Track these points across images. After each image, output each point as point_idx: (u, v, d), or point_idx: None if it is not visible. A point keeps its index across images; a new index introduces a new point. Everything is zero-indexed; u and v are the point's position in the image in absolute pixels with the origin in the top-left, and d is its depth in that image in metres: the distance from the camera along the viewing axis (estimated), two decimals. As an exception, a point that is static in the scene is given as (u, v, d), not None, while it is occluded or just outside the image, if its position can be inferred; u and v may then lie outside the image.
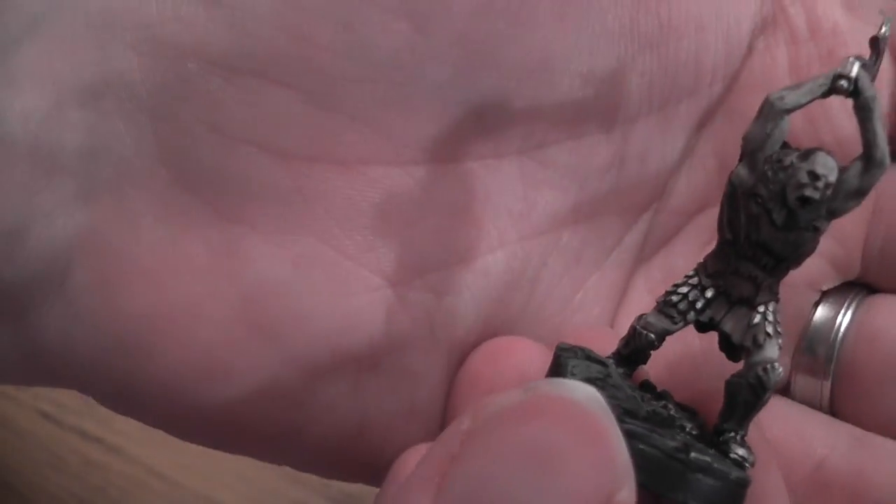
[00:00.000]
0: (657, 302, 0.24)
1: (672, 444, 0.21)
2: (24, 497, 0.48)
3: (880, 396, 0.29)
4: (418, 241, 0.26)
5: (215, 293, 0.24)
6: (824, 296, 0.30)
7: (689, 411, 0.25)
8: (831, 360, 0.30)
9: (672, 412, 0.24)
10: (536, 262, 0.28)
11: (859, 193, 0.22)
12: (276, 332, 0.25)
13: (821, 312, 0.30)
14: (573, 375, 0.23)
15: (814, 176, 0.21)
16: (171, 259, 0.24)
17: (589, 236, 0.28)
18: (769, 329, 0.23)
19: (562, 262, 0.28)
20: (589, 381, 0.23)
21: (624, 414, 0.22)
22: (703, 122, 0.29)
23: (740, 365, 0.23)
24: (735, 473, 0.22)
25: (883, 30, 0.23)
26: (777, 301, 0.23)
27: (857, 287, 0.30)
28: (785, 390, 0.30)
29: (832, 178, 0.21)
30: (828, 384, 0.30)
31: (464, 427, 0.18)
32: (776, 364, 0.22)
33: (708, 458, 0.22)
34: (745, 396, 0.23)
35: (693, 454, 0.21)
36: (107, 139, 0.23)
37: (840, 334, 0.30)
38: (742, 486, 0.22)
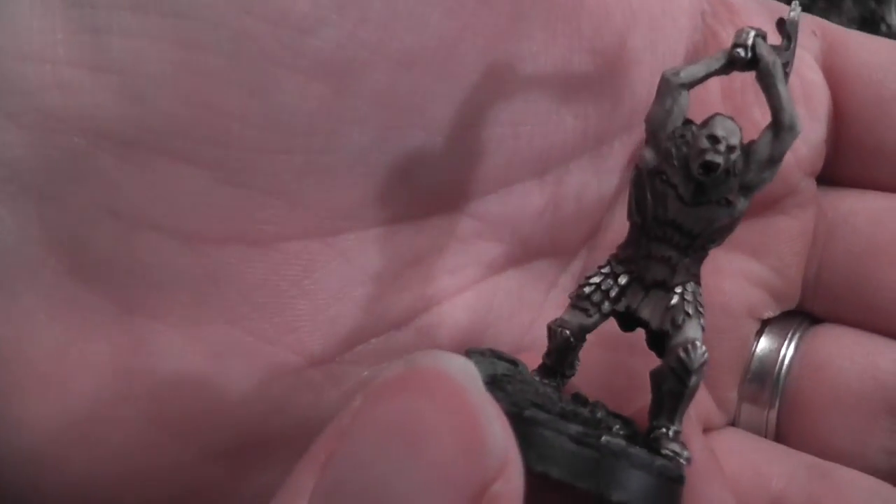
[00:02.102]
0: (570, 298, 0.22)
1: (580, 429, 0.19)
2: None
3: (827, 425, 0.27)
4: (345, 313, 0.24)
5: (124, 395, 0.22)
6: (767, 326, 0.29)
7: (624, 420, 0.22)
8: (777, 390, 0.28)
9: (599, 415, 0.22)
10: (482, 308, 0.26)
11: (772, 162, 0.21)
12: (195, 429, 0.22)
13: (764, 343, 0.29)
14: None
15: (713, 139, 0.20)
16: (71, 361, 0.21)
17: (526, 280, 0.27)
18: (688, 309, 0.21)
19: (507, 305, 0.26)
20: (493, 377, 0.21)
21: (531, 406, 0.20)
22: (636, 157, 0.28)
23: None
24: (660, 462, 0.20)
25: (791, 14, 0.22)
26: (697, 283, 0.22)
27: (799, 317, 0.29)
28: (731, 421, 0.29)
29: (734, 140, 0.20)
30: (773, 413, 0.28)
31: (356, 403, 0.17)
32: (698, 343, 0.21)
33: (623, 442, 0.20)
34: (670, 384, 0.21)
35: (605, 438, 0.19)
36: None
37: (785, 364, 0.28)
38: (672, 478, 0.20)
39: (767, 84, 0.20)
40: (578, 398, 0.23)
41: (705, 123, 0.21)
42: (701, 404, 0.28)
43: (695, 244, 0.21)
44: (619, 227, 0.28)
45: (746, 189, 0.21)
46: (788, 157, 0.26)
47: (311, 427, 0.22)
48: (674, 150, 0.21)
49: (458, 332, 0.25)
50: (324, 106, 0.21)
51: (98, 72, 0.20)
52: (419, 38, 0.22)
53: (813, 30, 0.29)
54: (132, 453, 0.22)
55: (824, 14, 0.30)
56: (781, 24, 0.22)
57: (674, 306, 0.21)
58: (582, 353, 0.24)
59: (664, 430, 0.21)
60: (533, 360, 0.24)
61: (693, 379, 0.21)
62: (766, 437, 0.28)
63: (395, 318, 0.24)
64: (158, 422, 0.22)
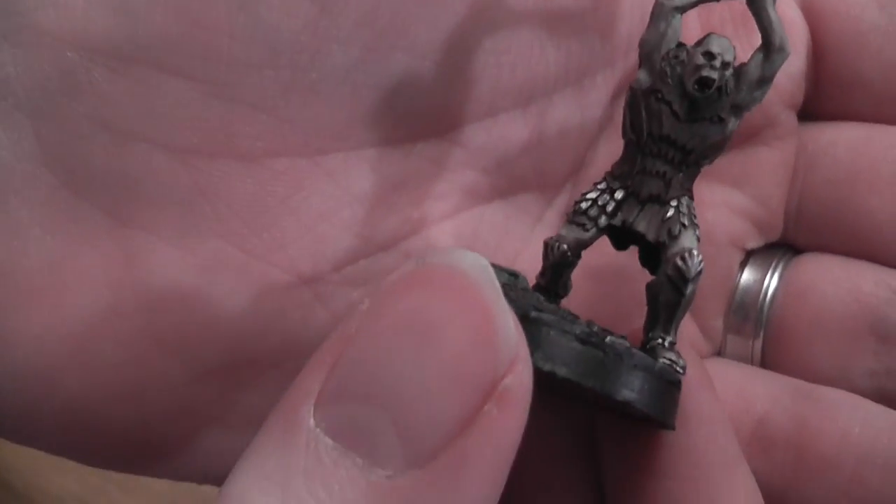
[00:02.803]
0: (566, 215, 0.23)
1: (587, 328, 0.20)
2: (24, 497, 0.47)
3: (811, 350, 0.28)
4: (333, 233, 0.24)
5: (115, 308, 0.22)
6: (750, 257, 0.29)
7: (617, 336, 0.23)
8: (761, 320, 0.28)
9: (596, 329, 0.22)
10: (467, 236, 0.26)
11: (763, 82, 0.21)
12: (186, 345, 0.22)
13: (748, 274, 0.29)
14: None
15: (709, 55, 0.21)
16: (65, 273, 0.21)
17: (511, 212, 0.27)
18: (684, 220, 0.21)
19: (492, 236, 0.26)
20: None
21: (534, 309, 0.20)
22: (619, 92, 0.28)
23: None
24: (659, 366, 0.20)
25: None
26: (690, 198, 0.22)
27: (782, 248, 0.30)
28: (717, 352, 0.29)
29: (728, 56, 0.21)
30: (759, 343, 0.28)
31: (363, 307, 0.17)
32: (694, 252, 0.21)
33: (626, 343, 0.20)
34: (667, 294, 0.21)
35: (610, 338, 0.20)
36: None
37: (769, 294, 0.29)
38: (670, 382, 0.21)
39: (758, 7, 0.21)
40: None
41: (700, 42, 0.21)
42: (686, 332, 0.28)
43: (688, 160, 0.22)
44: (602, 164, 0.28)
45: (737, 109, 0.21)
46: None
47: (301, 347, 0.23)
48: (668, 70, 0.21)
49: None
50: (309, 24, 0.22)
51: None
52: None
53: None
54: (125, 368, 0.22)
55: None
56: None
57: (670, 218, 0.22)
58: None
59: (660, 340, 0.22)
60: None
61: (690, 287, 0.21)
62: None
63: (383, 240, 0.24)
64: (151, 336, 0.22)
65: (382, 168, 0.24)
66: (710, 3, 0.27)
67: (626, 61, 0.27)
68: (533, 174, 0.27)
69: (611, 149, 0.28)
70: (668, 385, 0.20)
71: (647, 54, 0.22)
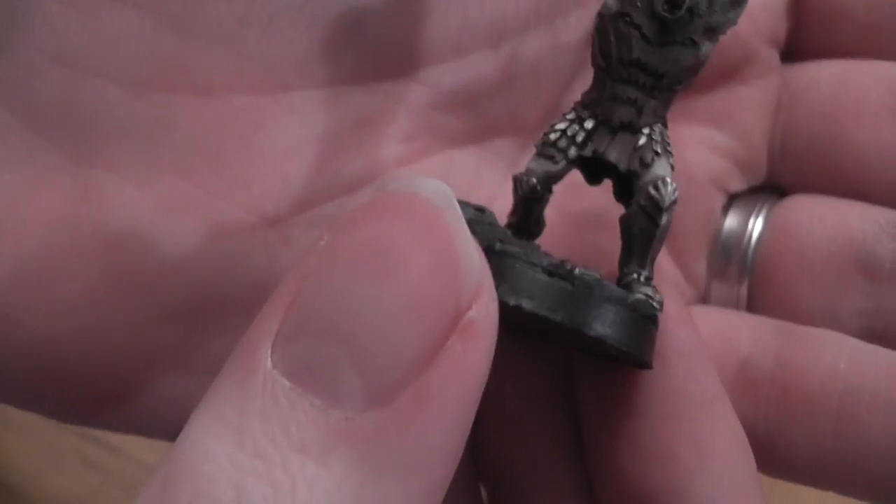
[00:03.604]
0: (535, 147, 0.22)
1: (554, 261, 0.19)
2: (24, 497, 0.46)
3: (798, 291, 0.27)
4: (297, 173, 0.23)
5: (74, 246, 0.21)
6: (734, 201, 0.28)
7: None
8: (746, 264, 0.27)
9: (569, 266, 0.21)
10: (439, 178, 0.25)
11: (735, 3, 0.20)
12: (146, 285, 0.22)
13: (731, 218, 0.28)
14: None
15: None
16: (21, 211, 0.21)
17: (485, 157, 0.26)
18: (657, 148, 0.20)
19: (463, 179, 0.26)
20: None
21: (500, 242, 0.19)
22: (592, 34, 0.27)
23: None
24: (633, 298, 0.19)
25: None
26: (664, 125, 0.21)
27: (766, 191, 0.29)
28: (702, 300, 0.28)
29: None
30: (744, 288, 0.27)
31: (321, 242, 0.16)
32: (668, 179, 0.20)
33: (597, 275, 0.19)
34: (640, 225, 0.20)
35: (579, 270, 0.19)
36: None
37: (753, 237, 0.28)
38: (645, 316, 0.20)
39: None
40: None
41: None
42: (668, 277, 0.27)
43: (660, 84, 0.20)
44: None
45: (711, 31, 0.20)
46: (747, 25, 0.26)
47: (266, 290, 0.21)
48: None
49: None
50: None
51: None
52: None
53: None
54: (85, 309, 0.21)
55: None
56: None
57: (642, 146, 0.20)
58: (546, 230, 0.23)
59: (635, 275, 0.21)
60: None
61: (664, 217, 0.20)
62: None
63: (349, 181, 0.23)
64: (110, 276, 0.21)
65: (347, 106, 0.23)
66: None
67: (599, 2, 0.26)
68: (506, 117, 0.26)
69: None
70: (644, 320, 0.19)
71: None
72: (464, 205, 0.21)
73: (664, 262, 0.28)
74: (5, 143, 0.21)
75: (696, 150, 0.27)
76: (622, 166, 0.21)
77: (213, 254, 0.22)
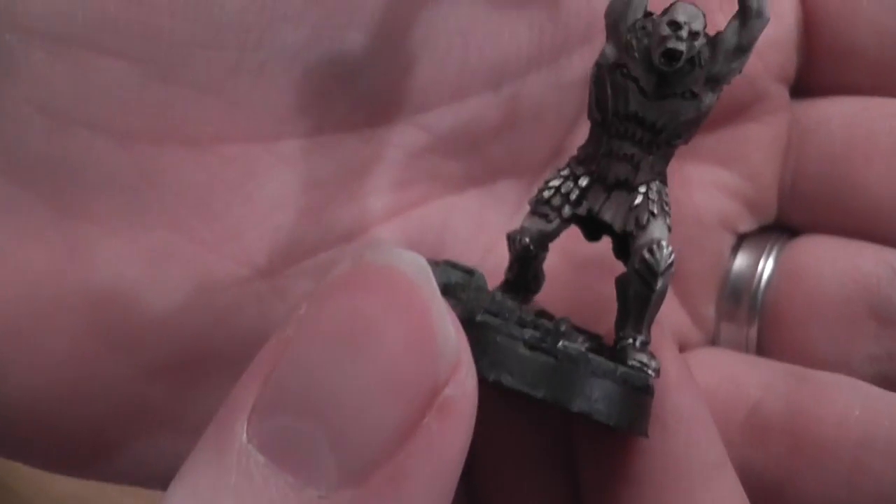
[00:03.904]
0: (528, 204, 0.21)
1: (536, 335, 0.18)
2: (24, 497, 0.46)
3: (809, 335, 0.26)
4: (289, 224, 0.22)
5: (60, 301, 0.21)
6: (743, 241, 0.28)
7: (590, 335, 0.21)
8: (756, 306, 0.27)
9: (563, 329, 0.20)
10: (437, 226, 0.24)
11: (740, 51, 0.19)
12: (133, 341, 0.21)
13: (741, 259, 0.27)
14: None
15: (675, 25, 0.19)
16: (6, 265, 0.20)
17: (487, 201, 0.25)
18: (653, 208, 0.20)
19: (464, 226, 0.25)
20: (446, 286, 0.20)
21: (484, 312, 0.18)
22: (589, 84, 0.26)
23: None
24: (623, 370, 0.19)
25: None
26: (663, 182, 0.20)
27: (777, 231, 0.28)
28: (710, 341, 0.27)
29: (697, 25, 0.19)
30: (754, 330, 0.27)
31: (301, 311, 0.16)
32: (664, 243, 0.19)
33: (581, 348, 0.18)
34: (636, 288, 0.19)
35: (563, 343, 0.18)
36: None
37: (763, 278, 0.27)
38: (637, 388, 0.19)
39: None
40: (543, 314, 0.21)
41: (666, 10, 0.19)
42: (675, 321, 0.27)
43: (658, 139, 0.20)
44: None
45: (714, 81, 0.19)
46: (756, 63, 0.25)
47: (258, 344, 0.21)
48: (635, 42, 0.19)
49: (411, 249, 0.24)
50: (255, 1, 0.21)
51: None
52: None
53: None
54: (70, 365, 0.21)
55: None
56: None
57: (638, 206, 0.20)
58: (549, 274, 0.22)
59: (630, 340, 0.20)
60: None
61: (660, 282, 0.19)
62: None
63: (344, 230, 0.23)
64: (97, 331, 0.21)
65: (342, 154, 0.23)
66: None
67: (604, 39, 0.25)
68: (509, 160, 0.25)
69: None
70: (635, 391, 0.19)
71: (612, 25, 0.20)
72: (451, 268, 0.21)
73: (671, 304, 0.27)
74: None
75: (704, 190, 0.27)
76: (617, 227, 0.20)
77: (202, 307, 0.22)
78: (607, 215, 0.20)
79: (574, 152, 0.26)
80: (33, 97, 0.20)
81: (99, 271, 0.21)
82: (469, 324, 0.17)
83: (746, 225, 0.27)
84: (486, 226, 0.25)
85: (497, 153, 0.25)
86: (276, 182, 0.22)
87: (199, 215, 0.21)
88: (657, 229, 0.19)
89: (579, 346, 0.18)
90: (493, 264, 0.25)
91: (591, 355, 0.18)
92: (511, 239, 0.21)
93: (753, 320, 0.27)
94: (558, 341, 0.18)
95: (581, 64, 0.25)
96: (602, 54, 0.20)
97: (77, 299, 0.21)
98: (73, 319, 0.21)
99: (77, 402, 0.21)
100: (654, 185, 0.20)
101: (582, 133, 0.26)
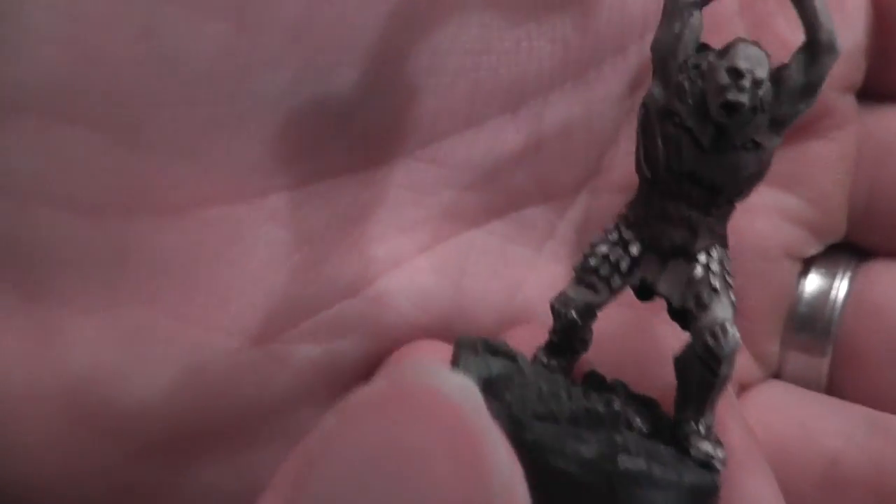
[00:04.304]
0: (573, 270, 0.19)
1: (592, 451, 0.16)
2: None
3: (888, 376, 0.24)
4: (283, 284, 0.21)
5: (34, 388, 0.20)
6: (810, 264, 0.25)
7: (648, 404, 0.19)
8: (829, 335, 0.25)
9: (616, 408, 0.18)
10: (453, 272, 0.22)
11: (809, 91, 0.17)
12: (119, 426, 0.20)
13: (811, 284, 0.25)
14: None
15: (736, 73, 0.16)
16: None
17: (512, 232, 0.23)
18: (715, 283, 0.17)
19: (485, 265, 0.23)
20: (488, 381, 0.18)
21: (533, 418, 0.17)
22: (639, 79, 0.24)
23: None
24: (689, 477, 0.17)
25: None
26: (724, 245, 0.18)
27: (847, 252, 0.26)
28: (774, 374, 0.26)
29: (760, 73, 0.16)
30: (826, 361, 0.25)
31: (327, 425, 0.14)
32: (727, 325, 0.17)
33: (643, 464, 0.16)
34: (698, 373, 0.17)
35: (622, 459, 0.16)
36: None
37: (837, 307, 0.25)
38: (704, 493, 0.17)
39: None
40: (593, 381, 0.20)
41: (724, 52, 0.17)
42: (737, 361, 0.25)
43: (719, 199, 0.17)
44: (626, 163, 0.24)
45: (778, 124, 0.17)
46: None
47: (259, 411, 0.21)
48: (687, 85, 0.17)
49: (425, 299, 0.22)
50: (226, 47, 0.19)
51: None
52: None
53: None
54: (52, 450, 0.20)
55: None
56: None
57: (698, 280, 0.17)
58: (599, 320, 0.20)
59: (692, 424, 0.18)
60: (532, 333, 0.21)
61: (724, 367, 0.17)
62: (816, 389, 0.25)
63: (345, 285, 0.21)
64: (76, 416, 0.20)
65: (339, 201, 0.21)
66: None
67: (641, 44, 0.23)
68: (534, 185, 0.23)
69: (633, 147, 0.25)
70: (701, 497, 0.17)
71: (661, 60, 0.18)
72: (491, 353, 0.19)
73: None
74: None
75: (766, 218, 0.24)
76: (675, 302, 0.18)
77: (191, 385, 0.20)
78: (663, 288, 0.18)
79: (616, 170, 0.24)
80: None
81: (73, 355, 0.19)
82: (519, 440, 0.15)
83: (813, 249, 0.25)
84: (512, 260, 0.23)
85: (520, 179, 0.23)
86: (265, 241, 0.20)
87: (180, 287, 0.20)
88: (720, 308, 0.17)
89: (640, 460, 0.16)
90: (522, 304, 0.23)
91: (653, 469, 0.16)
92: (555, 311, 0.19)
93: (826, 351, 0.25)
94: (616, 455, 0.16)
95: (614, 76, 0.23)
96: (649, 94, 0.18)
97: (52, 385, 0.20)
98: (50, 406, 0.20)
99: (56, 488, 0.20)
100: (715, 252, 0.18)
101: (623, 147, 0.24)
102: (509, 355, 0.19)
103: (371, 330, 0.22)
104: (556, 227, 0.24)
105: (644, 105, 0.18)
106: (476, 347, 0.19)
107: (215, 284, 0.20)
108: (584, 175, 0.24)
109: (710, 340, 0.17)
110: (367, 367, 0.22)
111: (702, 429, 0.18)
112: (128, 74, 0.18)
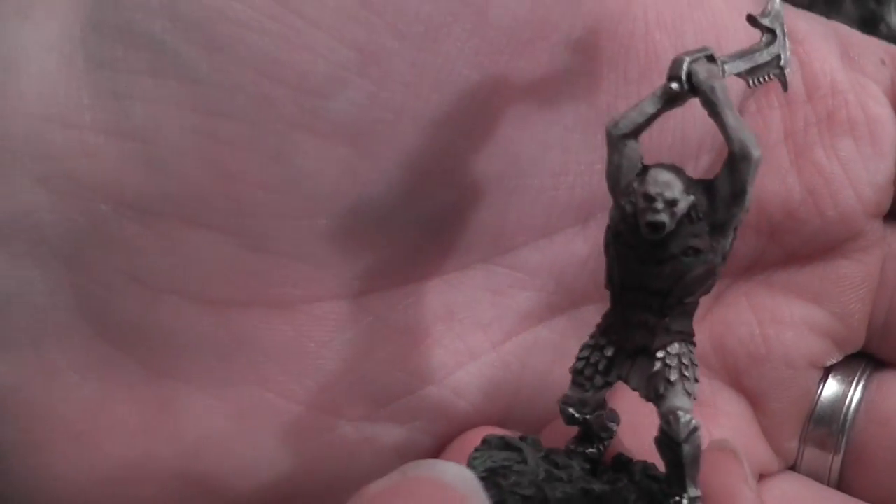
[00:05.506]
0: (570, 372, 0.21)
1: None
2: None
3: (893, 481, 0.25)
4: (376, 372, 0.23)
5: (152, 453, 0.22)
6: (829, 370, 0.27)
7: (661, 481, 0.21)
8: (842, 434, 0.26)
9: (621, 485, 0.20)
10: (515, 367, 0.24)
11: (737, 197, 0.18)
12: (222, 486, 0.22)
13: (829, 389, 0.27)
14: (472, 468, 0.20)
15: (648, 198, 0.18)
16: (102, 420, 0.21)
17: (569, 328, 0.25)
18: (670, 375, 0.19)
19: (542, 361, 0.25)
20: (490, 470, 0.20)
21: (521, 499, 0.19)
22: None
23: None
24: None
25: (769, 6, 0.20)
26: (685, 340, 0.20)
27: (863, 360, 0.27)
28: (792, 465, 0.27)
29: (670, 193, 0.18)
30: (838, 458, 0.26)
31: None
32: (681, 412, 0.19)
33: None
34: (667, 454, 0.19)
35: None
36: (20, 286, 0.20)
37: (850, 411, 0.26)
38: None
39: (712, 112, 0.18)
40: (617, 463, 0.22)
41: (641, 178, 0.18)
42: (756, 451, 0.26)
43: (668, 302, 0.19)
44: None
45: (719, 228, 0.19)
46: (852, 201, 0.25)
47: (345, 485, 0.21)
48: (627, 208, 0.19)
49: (493, 390, 0.24)
50: (348, 169, 0.21)
51: (122, 139, 0.20)
52: (446, 96, 0.21)
53: (882, 58, 0.26)
54: None
55: (824, 15, 0.27)
56: (753, 21, 0.21)
57: (655, 374, 0.20)
58: None
59: (678, 498, 0.20)
60: None
61: (685, 448, 0.19)
62: (828, 482, 0.26)
63: (428, 375, 0.23)
64: (187, 479, 0.22)
65: (427, 301, 0.23)
66: (792, 103, 0.25)
67: (696, 164, 0.25)
68: (594, 287, 0.25)
69: None
70: None
71: (611, 188, 0.19)
72: (499, 449, 0.21)
73: (752, 435, 0.27)
74: (85, 354, 0.21)
75: (795, 329, 0.26)
76: (642, 394, 0.20)
77: (291, 455, 0.22)
78: (633, 382, 0.20)
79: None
80: (126, 267, 0.21)
81: (188, 426, 0.22)
82: None
83: (834, 359, 0.27)
84: (569, 354, 0.25)
85: (582, 282, 0.25)
86: (362, 334, 0.22)
87: (287, 372, 0.22)
88: (675, 397, 0.19)
89: None
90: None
91: None
92: (560, 408, 0.21)
93: (839, 449, 0.26)
94: None
95: None
96: (610, 215, 0.19)
97: (168, 451, 0.22)
98: (165, 468, 0.22)
99: None
100: (673, 348, 0.20)
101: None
102: (516, 448, 0.21)
103: (445, 416, 0.23)
104: None
105: (607, 228, 0.19)
106: (491, 443, 0.21)
107: (318, 370, 0.22)
108: None
109: (666, 426, 0.19)
110: (436, 450, 0.24)
111: (686, 501, 0.20)
112: (259, 191, 0.20)
